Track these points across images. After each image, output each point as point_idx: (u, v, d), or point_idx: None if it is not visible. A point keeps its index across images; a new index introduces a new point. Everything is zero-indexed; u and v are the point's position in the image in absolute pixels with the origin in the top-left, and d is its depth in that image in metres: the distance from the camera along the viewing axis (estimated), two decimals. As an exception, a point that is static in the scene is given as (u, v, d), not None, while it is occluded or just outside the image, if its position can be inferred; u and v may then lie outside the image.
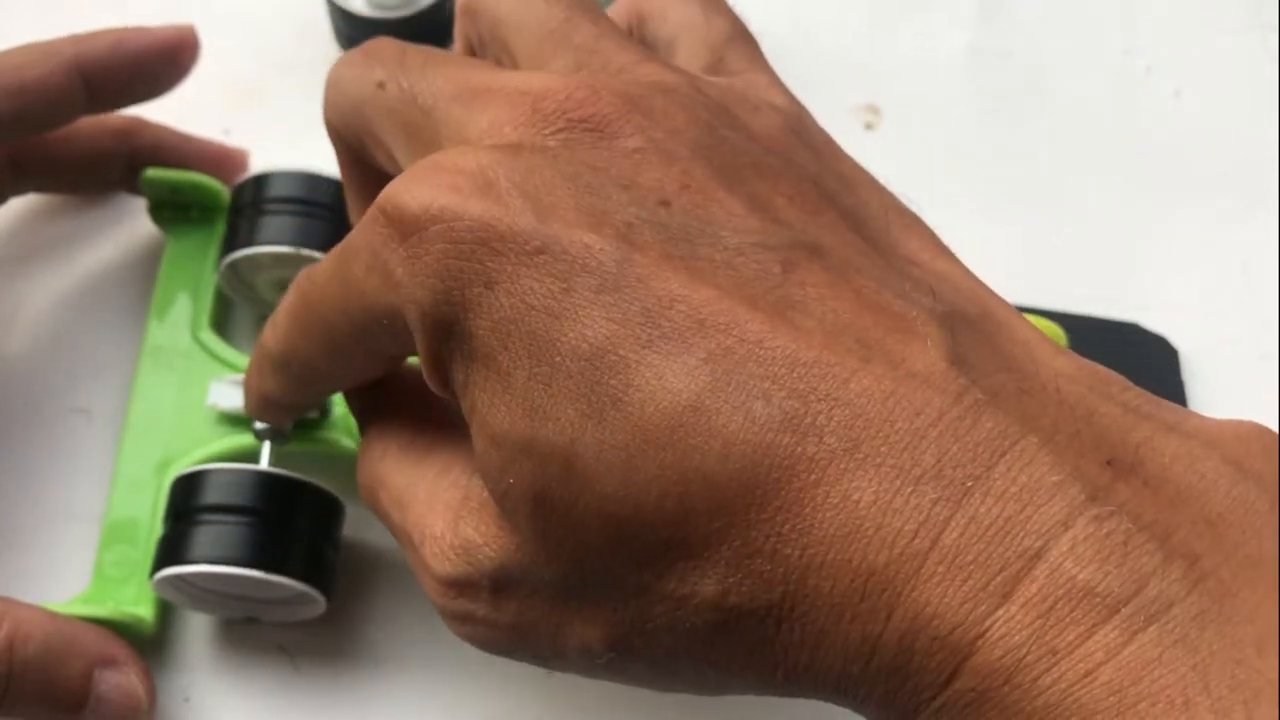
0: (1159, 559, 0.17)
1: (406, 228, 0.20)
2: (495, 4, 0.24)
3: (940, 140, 0.39)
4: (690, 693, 0.21)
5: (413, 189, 0.20)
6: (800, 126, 0.24)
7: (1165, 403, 0.20)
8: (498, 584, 0.21)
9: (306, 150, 0.32)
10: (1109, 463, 0.18)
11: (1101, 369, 0.20)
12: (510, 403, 0.19)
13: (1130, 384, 0.20)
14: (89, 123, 0.32)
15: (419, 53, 0.23)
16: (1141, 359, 0.35)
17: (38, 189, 0.34)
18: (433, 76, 0.23)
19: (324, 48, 0.39)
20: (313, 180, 0.32)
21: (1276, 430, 0.19)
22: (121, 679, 0.27)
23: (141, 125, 0.34)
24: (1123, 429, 0.19)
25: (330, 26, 0.39)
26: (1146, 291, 0.36)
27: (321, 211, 0.32)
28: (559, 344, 0.19)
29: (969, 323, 0.20)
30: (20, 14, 0.39)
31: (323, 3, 0.38)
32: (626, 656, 0.20)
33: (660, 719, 0.30)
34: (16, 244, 0.35)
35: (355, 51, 0.24)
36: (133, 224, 0.35)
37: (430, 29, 0.38)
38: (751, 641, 0.19)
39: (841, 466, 0.18)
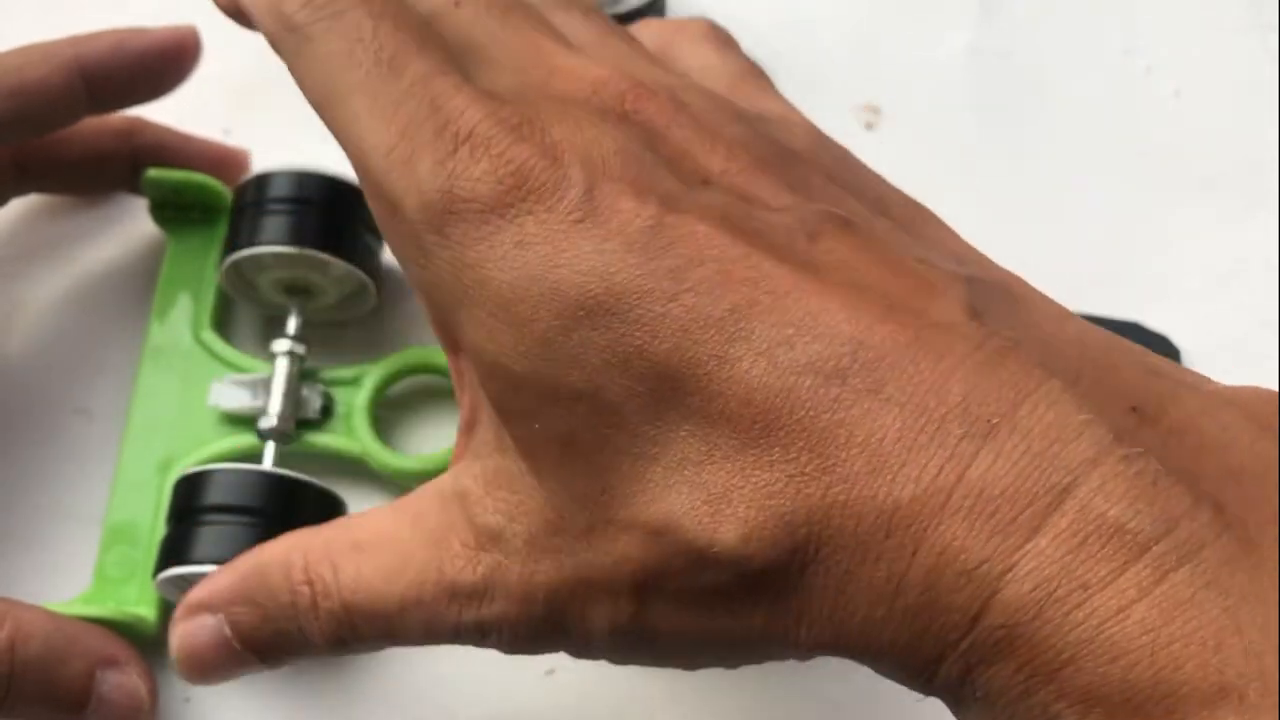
0: (1188, 502, 0.17)
1: (464, 141, 0.20)
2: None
3: (940, 140, 0.39)
4: (714, 663, 0.21)
5: (483, 116, 0.21)
6: (823, 140, 0.25)
7: (1183, 367, 0.20)
8: (531, 549, 0.21)
9: (308, 150, 0.32)
10: (1133, 409, 0.18)
11: (1122, 339, 0.20)
12: (528, 350, 0.20)
13: (1150, 350, 0.20)
14: (90, 123, 0.32)
15: None
16: (1142, 359, 0.35)
17: (39, 190, 0.34)
18: (509, 24, 0.24)
19: (324, 48, 0.39)
20: (314, 180, 0.32)
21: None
22: (123, 679, 0.28)
23: (143, 126, 0.34)
24: (1145, 382, 0.19)
25: None
26: (1147, 291, 0.36)
27: (323, 210, 0.32)
28: (585, 298, 0.19)
29: (991, 287, 0.20)
30: (21, 14, 0.39)
31: (323, 3, 0.38)
32: (651, 620, 0.20)
33: (660, 718, 0.30)
34: (17, 244, 0.35)
35: None
36: (134, 224, 0.35)
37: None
38: (774, 590, 0.19)
39: (866, 406, 0.18)
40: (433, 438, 0.33)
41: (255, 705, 0.30)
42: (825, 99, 0.39)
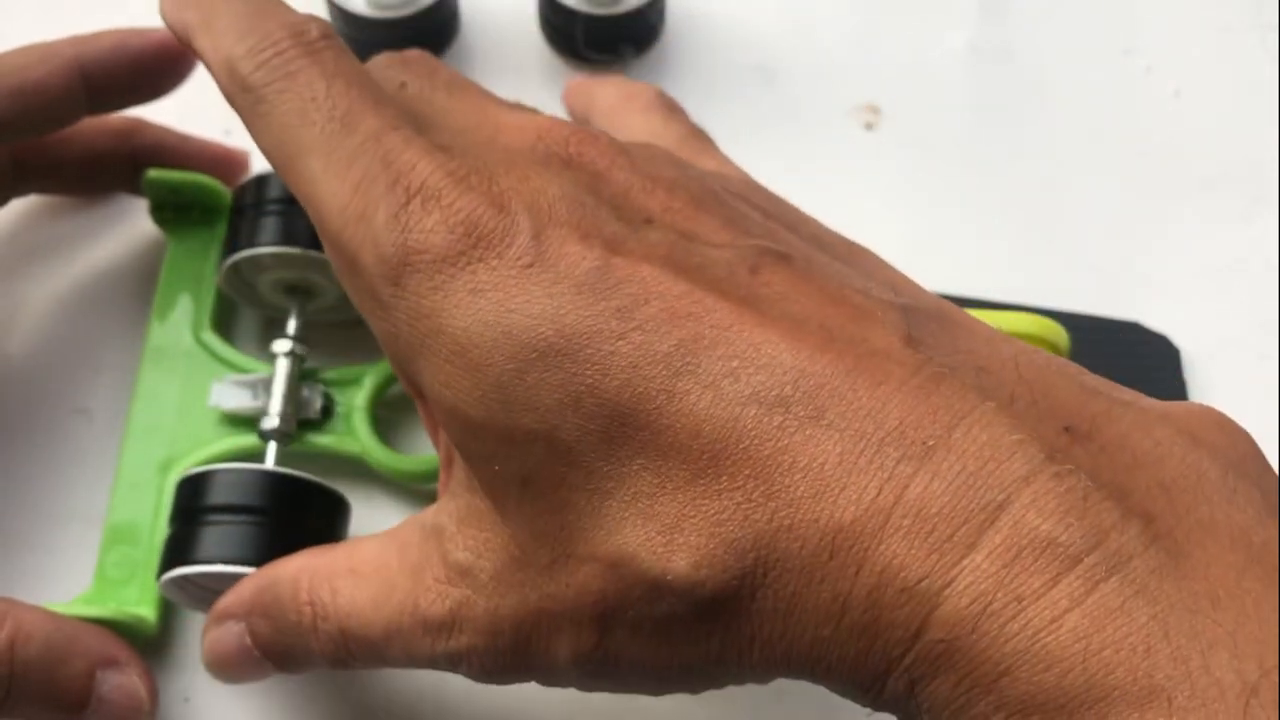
0: (1117, 515, 0.17)
1: (415, 194, 0.21)
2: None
3: (940, 140, 0.39)
4: (678, 688, 0.22)
5: (433, 169, 0.21)
6: (758, 186, 0.26)
7: (1120, 386, 0.20)
8: (497, 584, 0.22)
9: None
10: (1066, 429, 0.19)
11: (1059, 359, 0.21)
12: (484, 395, 0.20)
13: (1087, 370, 0.21)
14: (90, 124, 0.32)
15: (448, 72, 0.26)
16: (1143, 358, 0.35)
17: (39, 190, 0.34)
18: (454, 95, 0.25)
19: (325, 48, 0.39)
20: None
21: (1276, 428, 0.20)
22: (123, 679, 0.28)
23: (142, 126, 0.34)
24: (1080, 401, 0.19)
25: (330, 26, 0.39)
26: (1147, 291, 0.37)
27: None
28: (536, 340, 0.20)
29: (927, 314, 0.21)
30: (21, 15, 0.39)
31: (322, 2, 0.38)
32: (614, 649, 0.21)
33: (660, 718, 0.30)
34: (18, 244, 0.35)
35: (392, 55, 0.27)
36: (134, 224, 0.35)
37: (430, 29, 0.38)
38: (727, 616, 0.19)
39: (808, 433, 0.19)
40: (433, 438, 0.33)
41: (255, 705, 0.30)
42: (825, 99, 0.39)
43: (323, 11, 0.38)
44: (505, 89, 0.38)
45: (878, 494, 0.18)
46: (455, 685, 0.30)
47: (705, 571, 0.19)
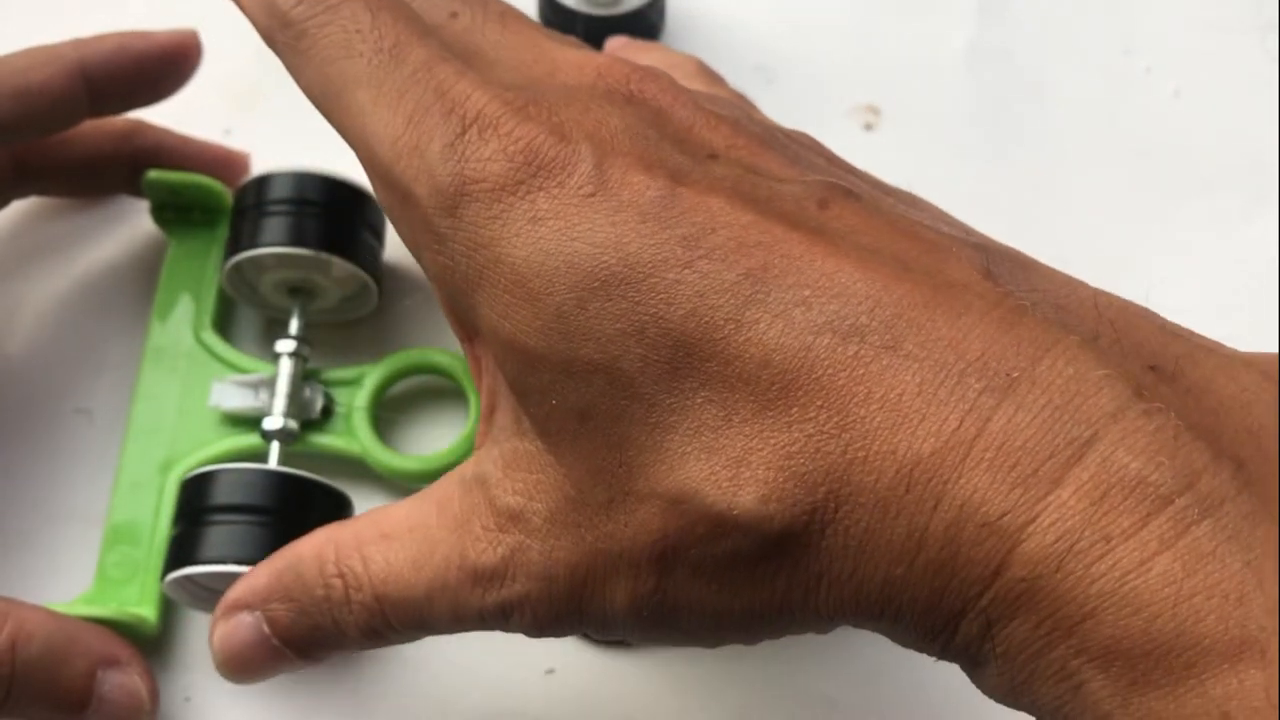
0: (1209, 457, 0.17)
1: (472, 123, 0.21)
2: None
3: (940, 140, 0.39)
4: (736, 637, 0.21)
5: (489, 99, 0.21)
6: (815, 139, 0.25)
7: (1199, 333, 0.20)
8: (551, 526, 0.21)
9: (308, 150, 0.32)
10: (1152, 368, 0.18)
11: (1137, 304, 0.20)
12: (544, 325, 0.20)
13: (1165, 317, 0.20)
14: (91, 126, 0.32)
15: (500, 3, 0.25)
16: (1141, 359, 0.35)
17: (40, 192, 0.34)
18: (509, 28, 0.24)
19: (325, 49, 0.39)
20: (315, 180, 0.32)
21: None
22: (124, 679, 0.28)
23: (143, 128, 0.34)
24: (1162, 342, 0.19)
25: None
26: (1147, 291, 0.36)
27: (325, 211, 0.32)
28: (599, 269, 0.19)
29: (1002, 254, 0.20)
30: (22, 17, 0.39)
31: (324, 4, 0.38)
32: (672, 593, 0.20)
33: (660, 718, 0.30)
34: (18, 244, 0.35)
35: None
36: (134, 225, 0.36)
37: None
38: (795, 553, 0.18)
39: (884, 363, 0.18)
40: (433, 438, 0.33)
41: (255, 705, 0.30)
42: (825, 99, 0.39)
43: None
44: (505, 89, 0.39)
45: (959, 425, 0.17)
46: (456, 685, 0.30)
47: (774, 506, 0.18)
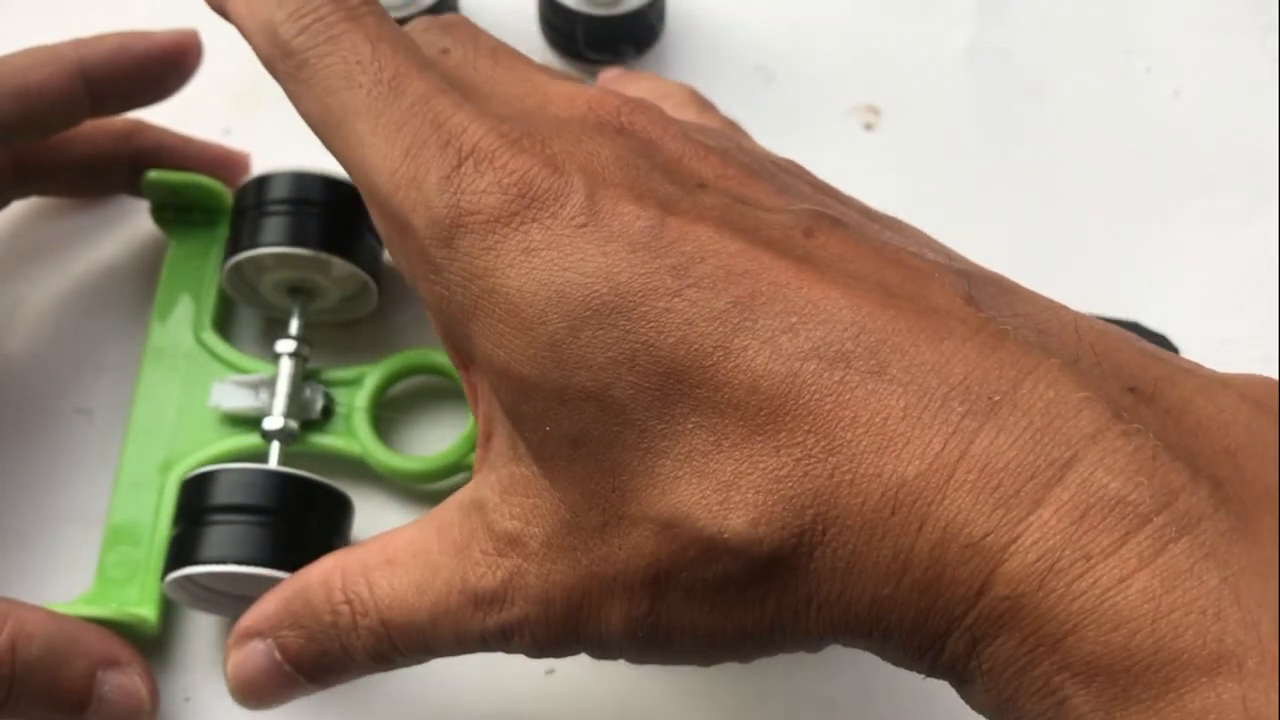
0: (1187, 476, 0.17)
1: (468, 156, 0.21)
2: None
3: (940, 140, 0.39)
4: (729, 657, 0.21)
5: (485, 131, 0.21)
6: (804, 168, 0.26)
7: (1180, 356, 0.20)
8: (548, 550, 0.21)
9: (308, 150, 0.32)
10: (1131, 390, 0.18)
11: (1116, 327, 0.21)
12: (537, 354, 0.20)
13: (1145, 340, 0.20)
14: (91, 126, 0.33)
15: (491, 39, 0.26)
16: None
17: (40, 192, 0.34)
18: (500, 63, 0.25)
19: (325, 49, 0.39)
20: (315, 180, 0.32)
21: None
22: (124, 679, 0.28)
23: (143, 128, 0.34)
24: (1141, 364, 0.19)
25: None
26: (1146, 291, 0.37)
27: (325, 211, 0.32)
28: (590, 298, 0.20)
29: (984, 279, 0.21)
30: (23, 17, 0.39)
31: (324, 4, 0.38)
32: (666, 616, 0.20)
33: (660, 718, 0.30)
34: (18, 244, 0.35)
35: (431, 19, 0.26)
36: (134, 225, 0.36)
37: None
38: (784, 576, 0.19)
39: (870, 388, 0.18)
40: (433, 438, 0.33)
41: (256, 705, 0.30)
42: (825, 99, 0.39)
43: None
44: (506, 89, 0.39)
45: (942, 448, 0.17)
46: (456, 686, 0.30)
47: (763, 529, 0.19)
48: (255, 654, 0.25)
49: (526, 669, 0.30)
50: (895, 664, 0.20)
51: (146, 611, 0.29)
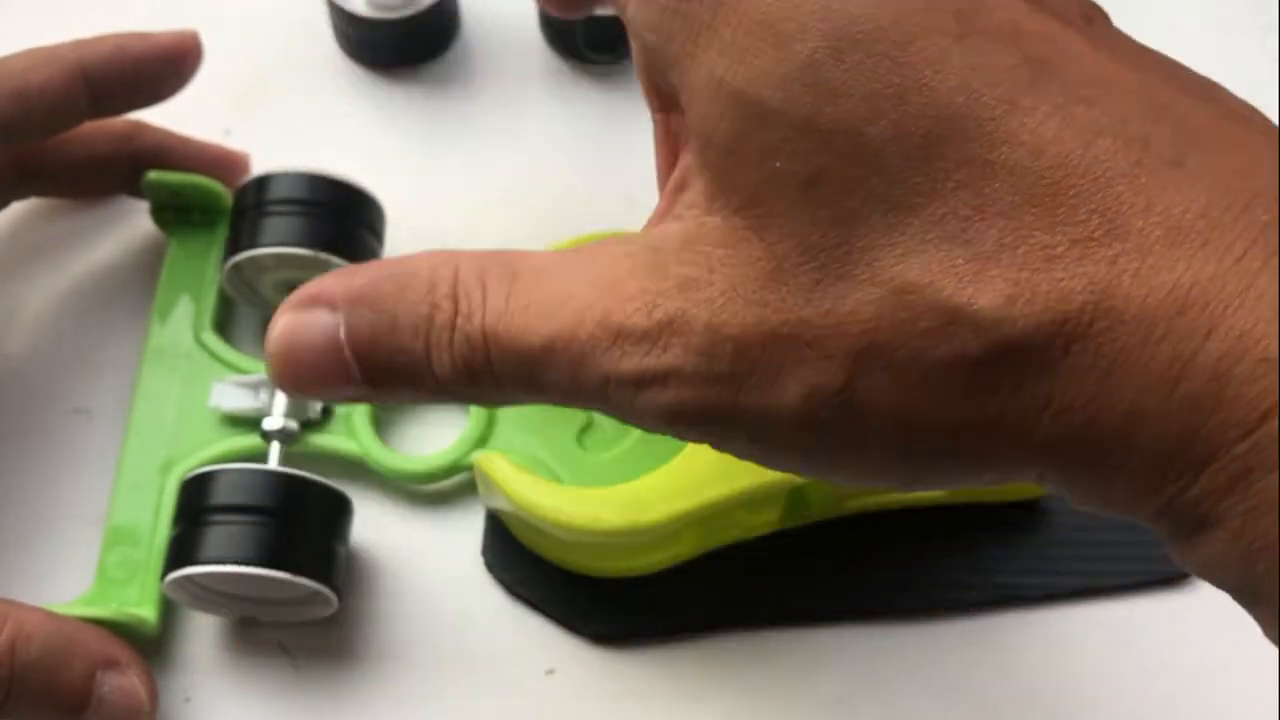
0: None
1: None
2: None
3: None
4: (915, 468, 0.19)
5: None
6: None
7: None
8: (729, 299, 0.19)
9: (308, 151, 0.33)
10: None
11: None
12: (788, 74, 0.18)
13: None
14: (90, 127, 0.32)
15: None
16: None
17: (40, 193, 0.34)
18: None
19: (324, 48, 0.39)
20: (315, 180, 0.32)
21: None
22: (123, 680, 0.28)
23: (142, 129, 0.34)
24: None
25: (330, 27, 0.39)
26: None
27: (324, 211, 0.32)
28: (863, 19, 0.18)
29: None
30: (23, 17, 0.39)
31: (323, 3, 0.38)
32: (860, 394, 0.18)
33: (660, 718, 0.30)
34: (18, 244, 0.35)
35: None
36: (134, 225, 0.36)
37: (430, 30, 0.38)
38: (1024, 368, 0.17)
39: (1168, 176, 0.16)
40: (433, 438, 0.33)
41: (255, 705, 0.30)
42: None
43: (324, 11, 0.38)
44: (505, 90, 0.39)
45: (1244, 254, 0.16)
46: (457, 686, 0.30)
47: (1021, 307, 0.16)
48: (317, 323, 0.21)
49: (526, 669, 0.30)
50: (1099, 502, 0.17)
51: (146, 612, 0.29)
